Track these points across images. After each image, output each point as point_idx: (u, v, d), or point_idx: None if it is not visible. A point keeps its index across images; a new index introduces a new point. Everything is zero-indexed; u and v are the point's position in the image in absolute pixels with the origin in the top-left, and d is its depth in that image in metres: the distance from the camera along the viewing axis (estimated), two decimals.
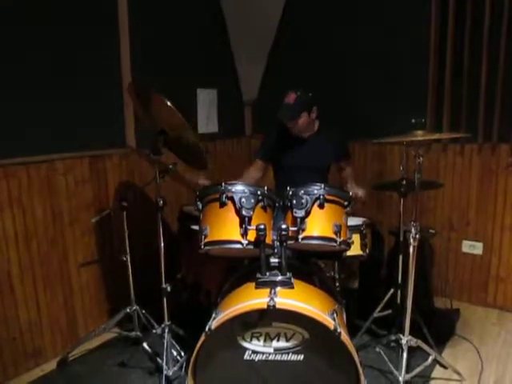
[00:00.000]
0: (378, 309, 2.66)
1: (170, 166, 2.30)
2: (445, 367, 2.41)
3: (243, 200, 1.98)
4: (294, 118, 2.59)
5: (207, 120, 3.52)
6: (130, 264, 2.51)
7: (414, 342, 2.27)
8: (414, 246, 2.17)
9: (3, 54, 2.23)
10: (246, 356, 1.88)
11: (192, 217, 2.48)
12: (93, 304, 2.81)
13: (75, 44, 2.54)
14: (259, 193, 2.02)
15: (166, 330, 2.33)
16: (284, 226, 1.97)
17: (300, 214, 2.01)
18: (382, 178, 3.37)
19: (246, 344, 1.88)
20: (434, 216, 3.26)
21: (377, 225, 3.09)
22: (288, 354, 1.87)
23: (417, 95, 3.16)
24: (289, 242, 2.01)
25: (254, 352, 1.88)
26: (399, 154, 3.27)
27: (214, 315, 1.95)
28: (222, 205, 2.00)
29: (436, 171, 3.20)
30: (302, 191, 2.05)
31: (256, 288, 1.97)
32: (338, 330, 1.79)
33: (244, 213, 1.96)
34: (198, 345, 1.85)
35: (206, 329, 1.86)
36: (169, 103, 2.08)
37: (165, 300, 2.32)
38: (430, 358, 2.30)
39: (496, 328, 2.90)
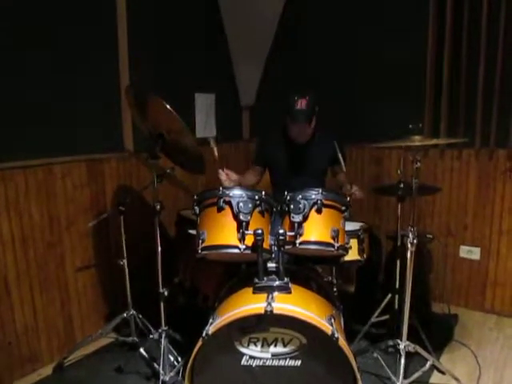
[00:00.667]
0: (376, 314, 2.66)
1: (168, 171, 2.30)
2: (443, 373, 2.40)
3: (241, 205, 1.97)
4: (310, 122, 2.59)
5: (205, 124, 3.52)
6: (127, 268, 2.50)
7: (412, 347, 2.27)
8: (411, 251, 2.17)
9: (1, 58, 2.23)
10: (244, 361, 1.87)
11: (189, 221, 2.48)
12: (90, 308, 2.80)
13: (74, 47, 2.54)
14: (257, 197, 2.02)
15: (163, 335, 2.32)
16: (281, 231, 1.96)
17: (298, 218, 2.01)
18: (379, 182, 3.37)
19: (243, 349, 1.87)
20: (432, 221, 3.27)
21: (374, 229, 3.08)
22: (285, 359, 1.86)
23: (414, 100, 3.17)
24: (286, 247, 2.00)
25: (251, 357, 1.87)
26: (396, 157, 3.28)
27: (211, 320, 1.94)
28: (220, 209, 2.00)
29: (433, 176, 3.20)
30: (300, 196, 2.05)
31: (253, 293, 1.96)
32: (336, 336, 1.78)
33: (242, 217, 1.96)
34: (195, 350, 1.84)
35: (204, 334, 1.85)
36: (168, 106, 2.08)
37: (162, 305, 2.31)
38: (428, 364, 2.30)
39: (494, 333, 2.90)
